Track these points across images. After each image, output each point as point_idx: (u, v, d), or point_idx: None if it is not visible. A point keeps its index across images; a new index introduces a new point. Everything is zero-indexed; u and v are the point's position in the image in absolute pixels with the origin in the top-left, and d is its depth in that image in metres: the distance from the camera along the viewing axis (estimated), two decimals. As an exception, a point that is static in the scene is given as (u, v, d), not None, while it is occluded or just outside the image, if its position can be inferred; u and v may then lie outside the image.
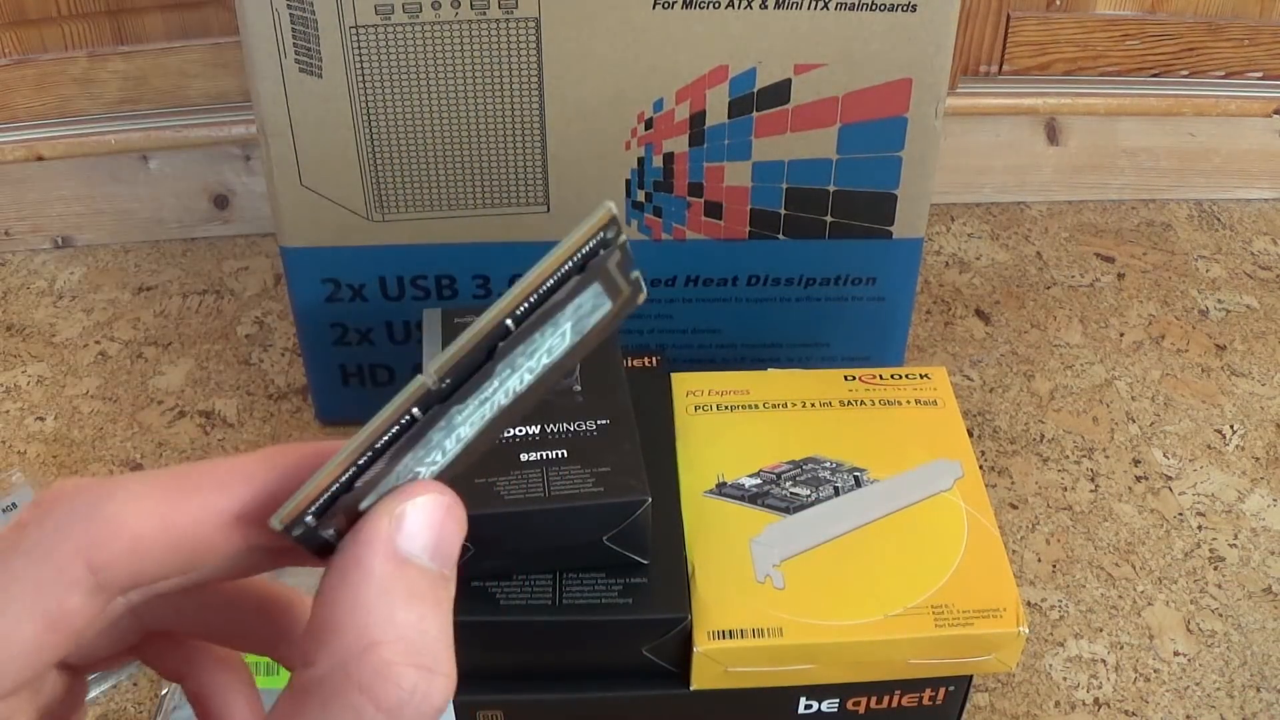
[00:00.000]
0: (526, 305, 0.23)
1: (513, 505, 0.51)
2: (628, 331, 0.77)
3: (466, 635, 0.56)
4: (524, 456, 0.53)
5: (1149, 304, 0.95)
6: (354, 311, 0.76)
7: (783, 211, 0.72)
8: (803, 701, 0.56)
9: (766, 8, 0.65)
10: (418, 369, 0.72)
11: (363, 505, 0.23)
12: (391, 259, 0.73)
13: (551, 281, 0.23)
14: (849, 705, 0.56)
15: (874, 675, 0.55)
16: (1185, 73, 0.99)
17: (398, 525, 0.22)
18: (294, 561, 0.24)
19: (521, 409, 0.24)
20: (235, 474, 0.23)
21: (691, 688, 0.54)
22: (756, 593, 0.54)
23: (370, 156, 0.69)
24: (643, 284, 0.24)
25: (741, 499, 0.58)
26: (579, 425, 0.55)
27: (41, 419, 0.84)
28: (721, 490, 0.59)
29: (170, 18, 0.91)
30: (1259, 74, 1.00)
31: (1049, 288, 0.96)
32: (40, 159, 0.94)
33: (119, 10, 0.90)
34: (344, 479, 0.22)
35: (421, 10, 0.64)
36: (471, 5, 0.64)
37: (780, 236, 0.73)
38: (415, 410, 0.23)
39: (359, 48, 0.65)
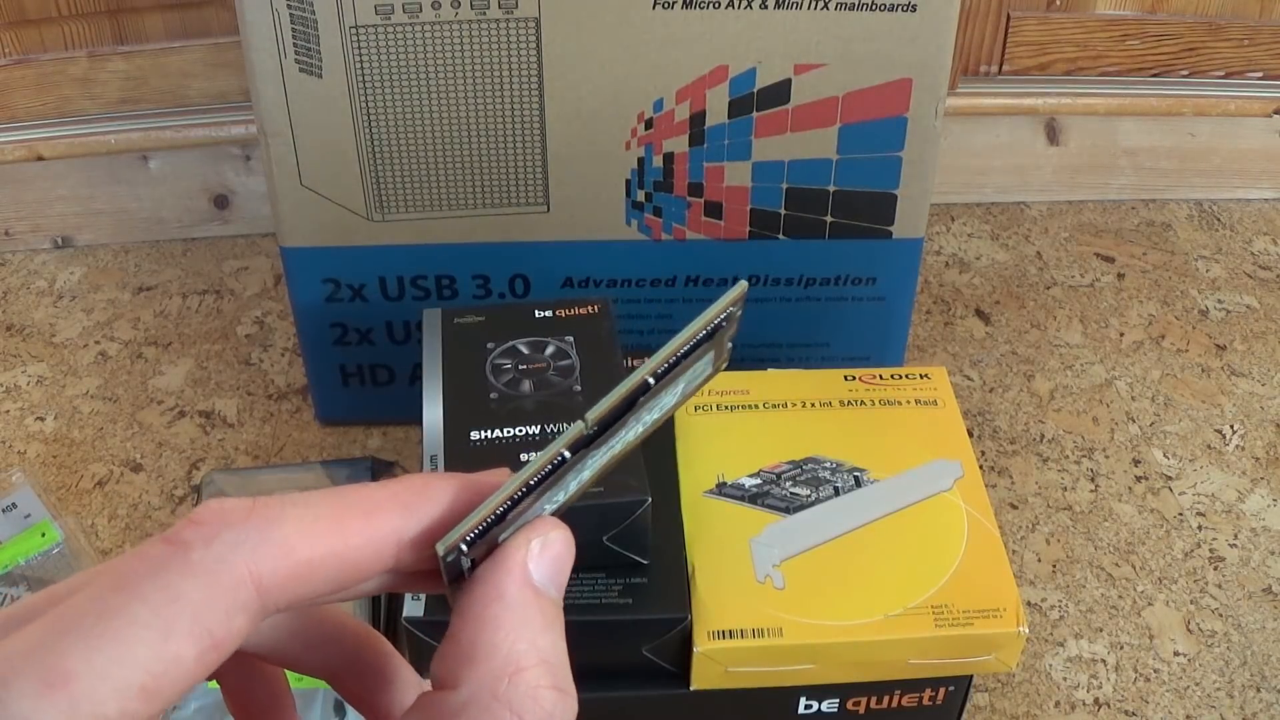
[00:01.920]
0: (667, 366, 0.25)
1: (513, 505, 0.51)
2: (627, 332, 0.77)
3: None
4: (524, 456, 0.53)
5: (1149, 304, 0.95)
6: (354, 311, 0.76)
7: (783, 211, 0.72)
8: (803, 701, 0.56)
9: (766, 8, 0.65)
10: (416, 368, 0.72)
11: (501, 538, 0.25)
12: (391, 259, 0.73)
13: (689, 347, 0.25)
14: (849, 705, 0.56)
15: (874, 675, 0.55)
16: (1185, 73, 0.99)
17: (533, 558, 0.24)
18: (420, 588, 0.25)
19: (623, 456, 0.26)
20: (394, 502, 0.24)
21: (691, 688, 0.54)
22: (756, 593, 0.54)
23: (370, 156, 0.69)
24: (730, 351, 0.27)
25: (741, 499, 0.58)
26: (579, 425, 0.55)
27: (41, 419, 0.84)
28: (721, 490, 0.59)
29: (170, 18, 0.91)
30: (1259, 74, 1.00)
31: (1049, 288, 0.96)
32: (40, 159, 0.94)
33: (119, 10, 0.90)
34: (500, 512, 0.24)
35: (421, 10, 0.64)
36: (471, 5, 0.64)
37: (780, 236, 0.73)
38: (566, 452, 0.25)
39: (359, 48, 0.65)
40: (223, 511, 0.22)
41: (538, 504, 0.25)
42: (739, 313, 0.26)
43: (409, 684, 0.29)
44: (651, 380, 0.25)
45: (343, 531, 0.23)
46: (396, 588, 0.26)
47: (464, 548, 0.24)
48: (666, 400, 0.26)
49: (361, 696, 0.28)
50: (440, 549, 0.24)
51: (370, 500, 0.24)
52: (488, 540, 0.24)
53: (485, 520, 0.24)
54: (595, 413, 0.25)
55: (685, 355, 0.25)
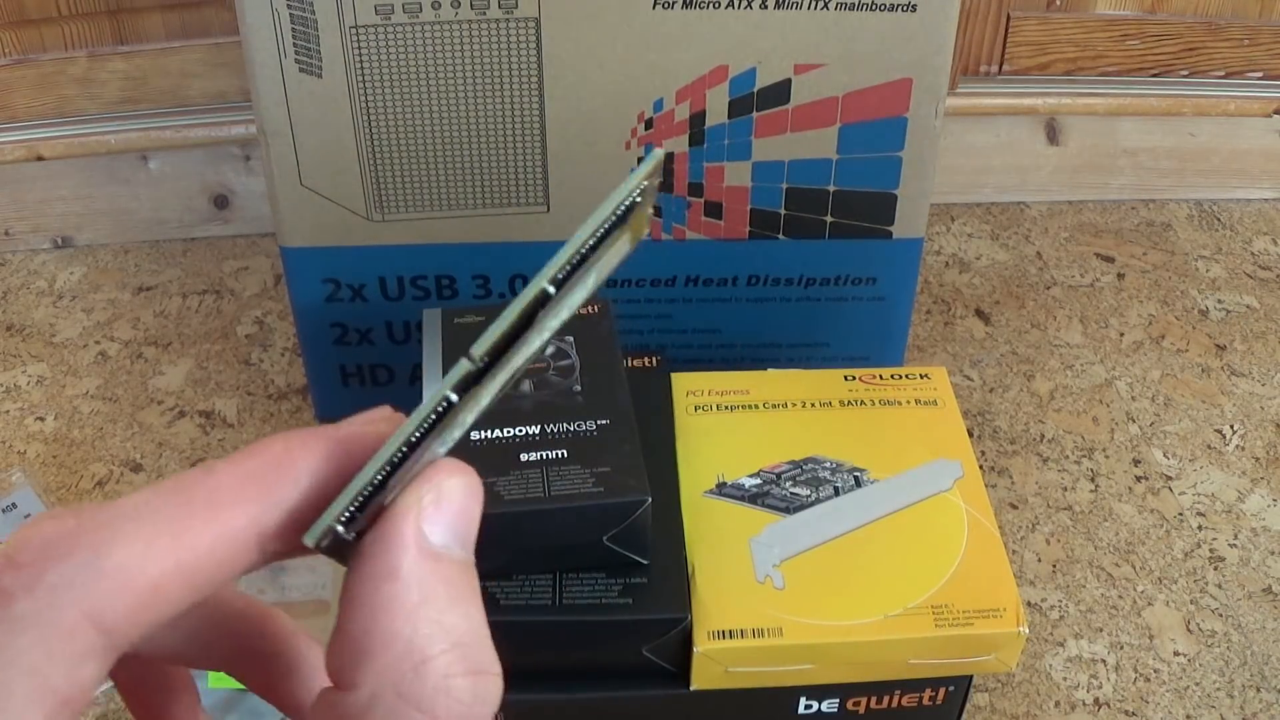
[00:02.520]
0: (569, 268, 0.21)
1: (513, 505, 0.51)
2: (627, 332, 0.77)
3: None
4: (524, 456, 0.53)
5: (1149, 304, 0.95)
6: (354, 311, 0.76)
7: (783, 211, 0.72)
8: (803, 701, 0.55)
9: (766, 8, 0.65)
10: (417, 368, 0.72)
11: (387, 500, 0.21)
12: (391, 259, 0.73)
13: (595, 240, 0.21)
14: (849, 705, 0.56)
15: (874, 675, 0.55)
16: (1185, 73, 0.99)
17: (427, 519, 0.21)
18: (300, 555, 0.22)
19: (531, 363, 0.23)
20: (246, 488, 0.21)
21: (691, 688, 0.54)
22: (756, 593, 0.54)
23: (370, 156, 0.69)
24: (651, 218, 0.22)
25: (741, 499, 0.58)
26: (579, 425, 0.55)
27: (41, 419, 0.84)
28: (721, 490, 0.59)
29: (170, 18, 0.91)
30: (1259, 74, 1.00)
31: (1049, 288, 0.96)
32: (40, 159, 0.94)
33: (119, 10, 0.90)
34: (379, 479, 0.21)
35: (421, 10, 0.64)
36: (471, 5, 0.64)
37: (780, 236, 0.73)
38: (452, 395, 0.21)
39: (359, 48, 0.65)
40: (44, 546, 0.19)
41: (427, 453, 0.21)
42: (656, 183, 0.22)
43: (316, 668, 0.26)
44: (552, 289, 0.21)
45: (185, 539, 0.20)
46: (282, 558, 0.22)
47: (339, 529, 0.20)
48: (576, 297, 0.22)
49: (266, 685, 0.25)
50: (309, 540, 0.20)
51: (216, 491, 0.20)
52: (371, 510, 0.21)
53: (362, 492, 0.21)
54: (482, 346, 0.21)
55: (592, 250, 0.21)
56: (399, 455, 0.21)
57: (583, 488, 0.52)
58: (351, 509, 0.21)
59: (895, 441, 0.61)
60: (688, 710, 0.55)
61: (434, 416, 0.21)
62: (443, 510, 0.21)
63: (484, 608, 0.22)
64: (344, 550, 0.21)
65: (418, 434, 0.21)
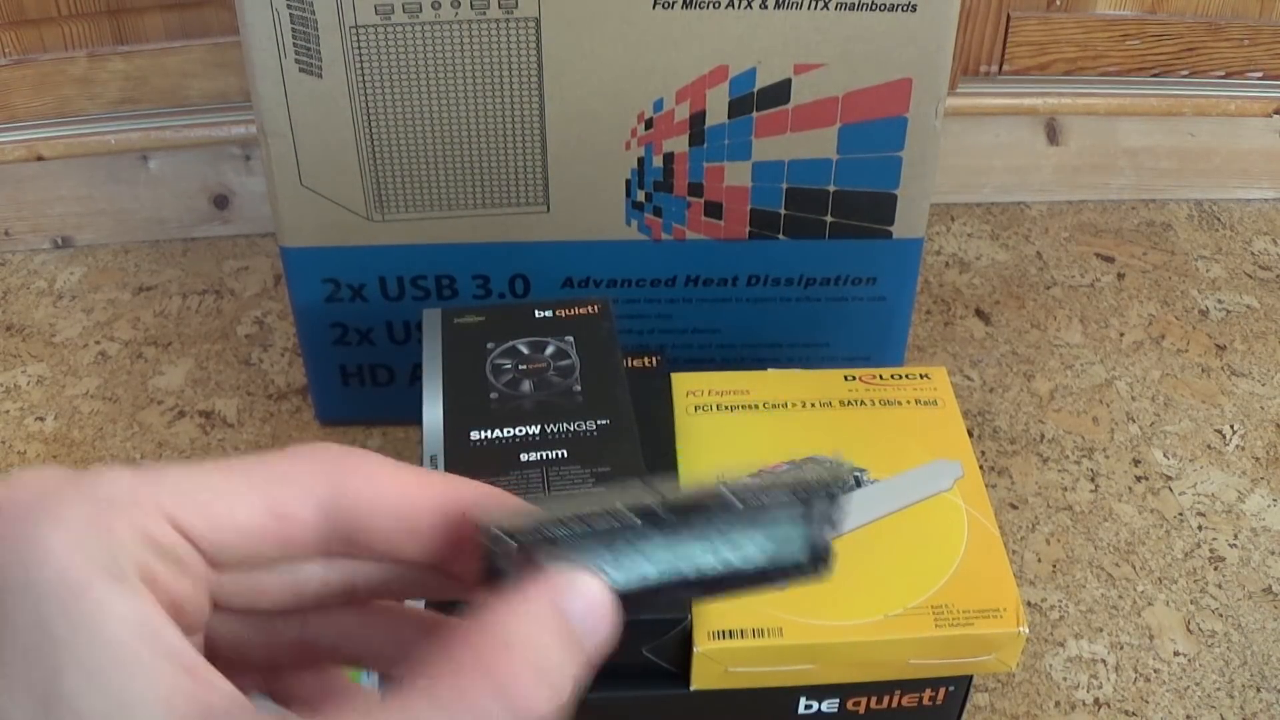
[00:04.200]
0: (758, 502, 0.25)
1: (513, 505, 0.51)
2: (627, 332, 0.77)
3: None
4: (524, 456, 0.53)
5: (1149, 304, 0.95)
6: (354, 311, 0.76)
7: (783, 211, 0.72)
8: (803, 701, 0.56)
9: (766, 8, 0.65)
10: (417, 368, 0.72)
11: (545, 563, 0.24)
12: (391, 259, 0.73)
13: (781, 496, 0.25)
14: (849, 705, 0.56)
15: (874, 675, 0.55)
16: (1185, 73, 0.99)
17: (570, 586, 0.23)
18: (458, 593, 0.25)
19: (690, 589, 0.25)
20: (444, 485, 0.25)
21: (691, 688, 0.54)
22: (756, 593, 0.54)
23: (370, 156, 0.69)
24: (831, 559, 0.26)
25: (741, 499, 0.58)
26: (579, 425, 0.55)
27: (41, 419, 0.84)
28: (721, 490, 0.59)
29: (170, 18, 0.91)
30: (1259, 74, 1.00)
31: (1049, 288, 0.96)
32: (40, 159, 0.94)
33: (119, 10, 0.90)
34: (552, 531, 0.24)
35: (421, 10, 0.64)
36: (471, 5, 0.64)
37: (780, 236, 0.73)
38: (636, 519, 0.25)
39: (359, 48, 0.65)
40: (318, 446, 0.24)
41: (588, 557, 0.25)
42: (839, 500, 0.25)
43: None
44: (738, 502, 0.25)
45: (406, 485, 0.25)
46: (443, 594, 0.25)
47: (513, 541, 0.24)
48: (751, 552, 0.25)
49: None
50: (485, 521, 0.24)
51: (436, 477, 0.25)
52: (533, 558, 0.24)
53: (544, 522, 0.24)
54: (674, 497, 0.25)
55: (769, 502, 0.25)
56: (575, 522, 0.24)
57: (582, 488, 0.52)
58: (530, 532, 0.24)
59: (895, 442, 0.61)
60: (688, 710, 0.55)
61: (616, 523, 0.24)
62: (584, 593, 0.24)
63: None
64: (495, 575, 0.24)
65: (600, 522, 0.24)
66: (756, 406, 0.64)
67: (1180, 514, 0.78)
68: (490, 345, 0.60)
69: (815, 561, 0.26)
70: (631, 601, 0.25)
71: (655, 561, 0.25)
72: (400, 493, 0.24)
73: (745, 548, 0.25)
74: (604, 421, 0.55)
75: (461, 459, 0.53)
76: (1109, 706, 0.66)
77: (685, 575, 0.25)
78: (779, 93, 0.68)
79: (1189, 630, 0.70)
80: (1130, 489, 0.79)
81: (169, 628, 0.21)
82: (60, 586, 0.20)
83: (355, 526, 0.24)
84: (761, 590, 0.26)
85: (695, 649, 0.52)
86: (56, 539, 0.21)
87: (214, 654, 0.24)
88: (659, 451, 0.60)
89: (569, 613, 0.23)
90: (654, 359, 0.66)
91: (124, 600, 0.21)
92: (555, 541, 0.24)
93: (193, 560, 0.23)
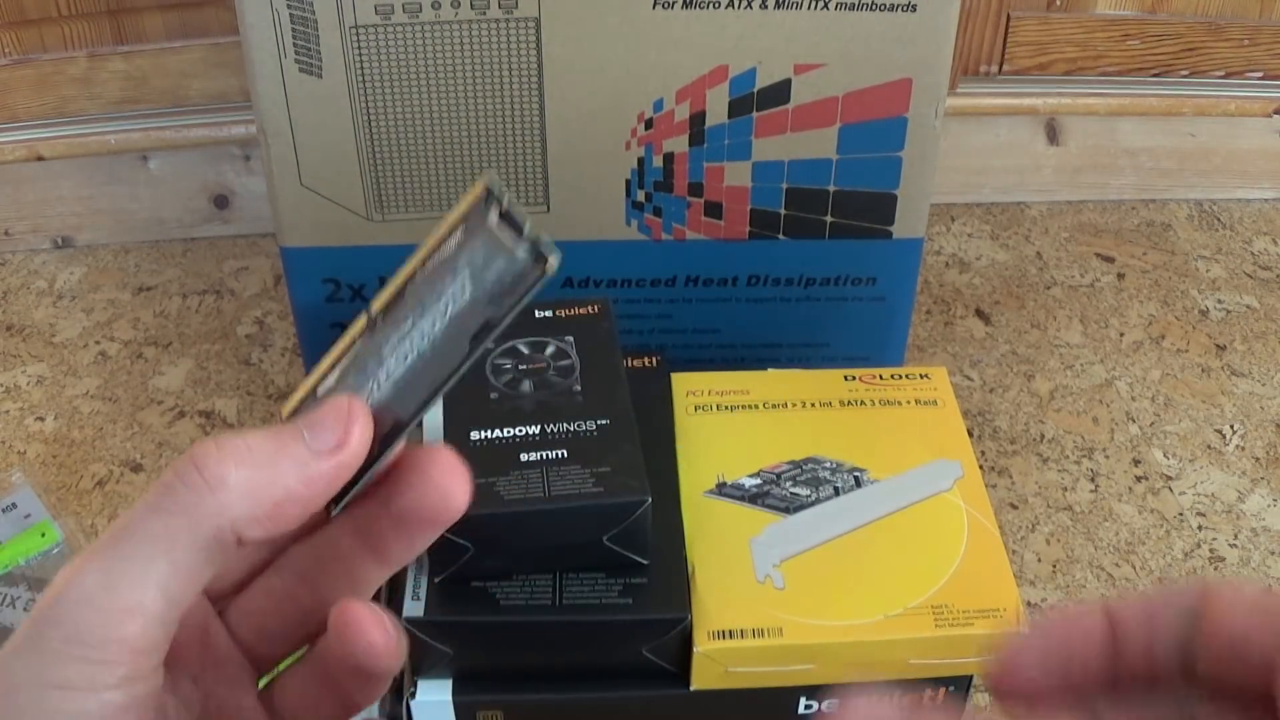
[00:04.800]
0: (428, 254, 0.29)
1: (513, 505, 0.51)
2: (627, 332, 0.77)
3: (466, 635, 0.56)
4: (524, 456, 0.53)
5: (1149, 304, 0.95)
6: (354, 311, 0.76)
7: (783, 211, 0.72)
8: (803, 701, 0.56)
9: (766, 8, 0.65)
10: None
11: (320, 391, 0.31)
12: (391, 259, 0.73)
13: (444, 238, 0.29)
14: (849, 705, 0.56)
15: (874, 675, 0.55)
16: (1185, 73, 0.99)
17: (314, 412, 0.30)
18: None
19: (448, 361, 0.29)
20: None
21: (691, 688, 0.54)
22: (756, 593, 0.54)
23: (370, 156, 0.69)
24: (546, 248, 0.28)
25: (741, 499, 0.58)
26: (579, 425, 0.55)
27: (41, 419, 0.84)
28: (721, 490, 0.59)
29: (170, 18, 0.91)
30: (1259, 74, 1.00)
31: (1049, 288, 0.96)
32: (40, 159, 0.94)
33: (119, 10, 0.90)
34: (314, 390, 0.30)
35: (421, 10, 0.64)
36: (471, 5, 0.64)
37: (780, 236, 0.73)
38: (358, 336, 0.30)
39: (359, 48, 0.65)
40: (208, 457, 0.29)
41: (343, 389, 0.30)
42: (505, 201, 0.28)
43: None
44: (419, 274, 0.29)
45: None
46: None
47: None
48: (455, 291, 0.29)
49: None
50: (285, 410, 0.30)
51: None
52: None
53: (308, 392, 0.30)
54: (376, 301, 0.29)
55: (439, 245, 0.29)
56: (328, 372, 0.30)
57: (583, 488, 0.52)
58: (303, 402, 0.31)
59: (895, 441, 0.61)
60: (688, 710, 0.55)
61: (351, 350, 0.30)
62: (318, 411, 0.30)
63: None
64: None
65: (340, 359, 0.30)
66: (756, 406, 0.64)
67: (1180, 514, 0.78)
68: (490, 345, 0.60)
69: (524, 258, 0.28)
70: (397, 399, 0.29)
71: (392, 355, 0.29)
72: (263, 459, 0.29)
73: (449, 289, 0.29)
74: (604, 421, 0.55)
75: (461, 459, 0.53)
76: (1109, 706, 0.66)
77: (423, 350, 0.29)
78: (779, 93, 0.68)
79: (1189, 630, 0.70)
80: (1130, 489, 0.79)
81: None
82: None
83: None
84: (509, 305, 0.29)
85: (695, 649, 0.52)
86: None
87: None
88: (659, 451, 0.60)
89: (296, 423, 0.29)
90: (654, 359, 0.66)
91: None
92: (315, 394, 0.30)
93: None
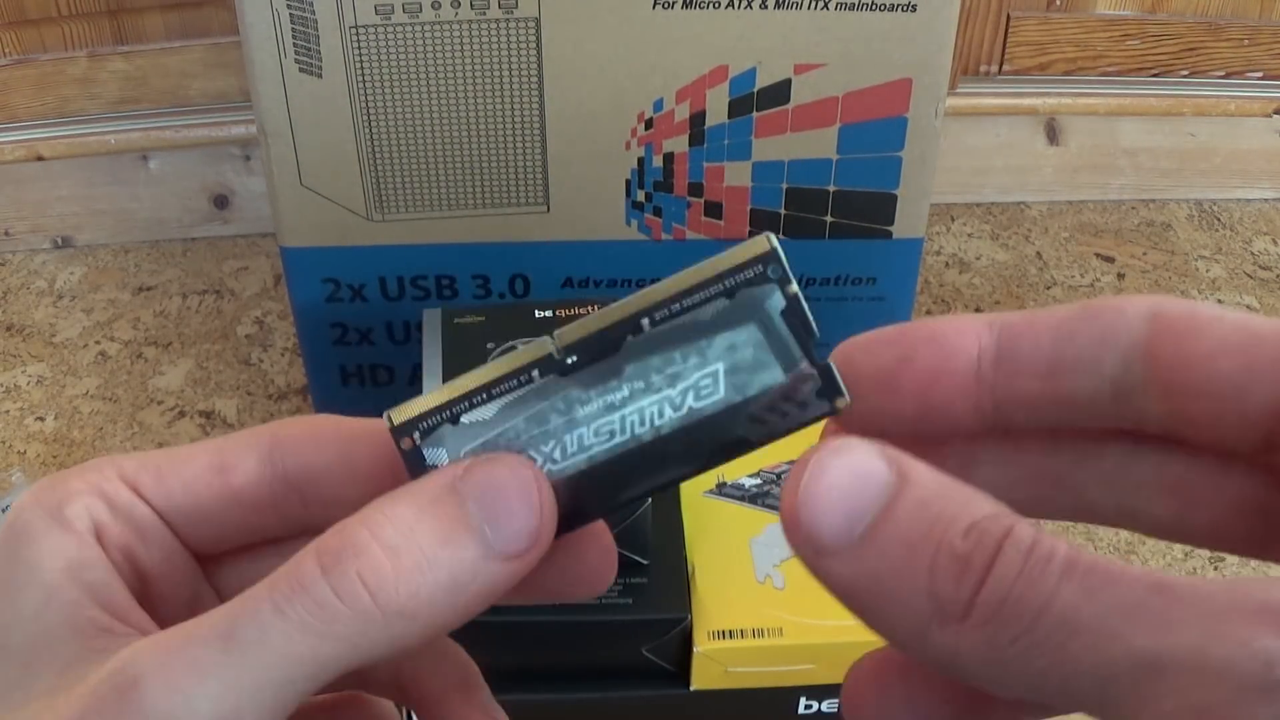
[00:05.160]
0: (667, 312, 0.21)
1: (513, 505, 0.51)
2: (628, 331, 0.76)
3: (466, 635, 0.56)
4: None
5: (1149, 304, 0.95)
6: (354, 311, 0.76)
7: (783, 211, 0.72)
8: (803, 701, 0.56)
9: (766, 8, 0.65)
10: (416, 368, 0.72)
11: (464, 451, 0.22)
12: (391, 259, 0.73)
13: (694, 296, 0.21)
14: (849, 705, 0.56)
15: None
16: (1185, 73, 0.99)
17: (467, 470, 0.21)
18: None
19: (673, 464, 0.22)
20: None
21: (691, 688, 0.54)
22: (756, 593, 0.54)
23: (370, 156, 0.69)
24: (837, 378, 0.22)
25: (741, 499, 0.58)
26: (579, 425, 0.55)
27: (41, 419, 0.84)
28: (721, 490, 0.59)
29: (170, 18, 0.91)
30: (1259, 74, 1.00)
31: (1049, 288, 0.96)
32: (40, 159, 0.94)
33: (119, 10, 0.90)
34: (451, 410, 0.22)
35: (421, 10, 0.64)
36: (471, 5, 0.64)
37: (780, 236, 0.73)
38: (535, 372, 0.21)
39: (359, 48, 0.65)
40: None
41: (509, 428, 0.22)
42: (792, 287, 0.21)
43: None
44: (646, 324, 0.21)
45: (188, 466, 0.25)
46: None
47: (418, 436, 0.22)
48: (703, 382, 0.21)
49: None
50: (387, 418, 0.22)
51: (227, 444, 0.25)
52: (451, 445, 0.22)
53: (437, 409, 0.22)
54: (561, 332, 0.21)
55: (690, 306, 0.21)
56: (478, 396, 0.22)
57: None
58: (428, 423, 0.22)
59: (895, 441, 0.61)
60: (688, 710, 0.55)
61: (515, 381, 0.22)
62: (483, 473, 0.21)
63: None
64: (410, 464, 0.22)
65: (498, 386, 0.22)
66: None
67: (1180, 514, 0.78)
68: (490, 345, 0.60)
69: (811, 380, 0.21)
70: (590, 486, 0.22)
71: (589, 423, 0.22)
72: (336, 433, 0.24)
73: (693, 376, 0.21)
74: (604, 421, 0.55)
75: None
76: (1109, 706, 0.66)
77: (643, 438, 0.21)
78: (779, 93, 0.68)
79: (1189, 630, 0.70)
80: (1130, 489, 0.79)
81: (99, 567, 0.22)
82: (12, 532, 0.22)
83: (296, 471, 0.24)
84: (772, 429, 0.21)
85: (695, 649, 0.52)
86: (24, 500, 0.23)
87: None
88: (659, 451, 0.60)
89: (462, 492, 0.21)
90: (654, 359, 0.66)
91: (58, 538, 0.22)
92: (457, 421, 0.22)
93: (148, 518, 0.24)
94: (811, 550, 0.19)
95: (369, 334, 0.77)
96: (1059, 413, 0.21)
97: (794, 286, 0.22)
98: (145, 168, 0.96)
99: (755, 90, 0.68)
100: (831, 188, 0.71)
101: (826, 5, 0.65)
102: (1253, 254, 1.00)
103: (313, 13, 0.64)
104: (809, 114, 0.69)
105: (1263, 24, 0.97)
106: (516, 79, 0.66)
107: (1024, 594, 0.17)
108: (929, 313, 0.93)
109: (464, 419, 0.22)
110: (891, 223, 0.73)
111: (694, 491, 0.59)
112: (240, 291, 0.95)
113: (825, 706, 0.56)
